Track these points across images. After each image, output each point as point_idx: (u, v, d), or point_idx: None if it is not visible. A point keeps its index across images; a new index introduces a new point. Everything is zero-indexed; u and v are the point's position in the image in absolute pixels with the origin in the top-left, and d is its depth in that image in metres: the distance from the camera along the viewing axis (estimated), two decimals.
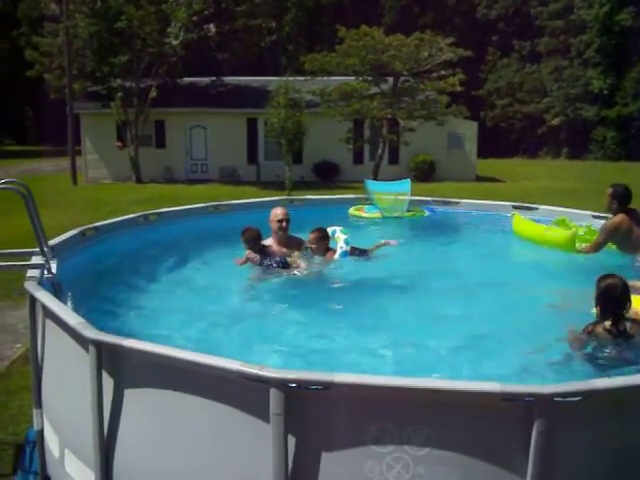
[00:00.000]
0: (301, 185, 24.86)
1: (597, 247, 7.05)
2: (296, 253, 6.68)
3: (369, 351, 4.62)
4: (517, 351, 4.60)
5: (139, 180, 28.71)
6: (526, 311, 5.50)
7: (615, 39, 48.93)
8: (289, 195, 17.39)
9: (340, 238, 6.95)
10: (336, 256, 6.74)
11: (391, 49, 24.43)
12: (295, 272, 6.41)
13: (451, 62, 25.04)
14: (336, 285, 6.38)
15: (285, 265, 6.45)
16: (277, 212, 6.81)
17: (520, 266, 7.49)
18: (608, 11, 48.62)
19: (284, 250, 6.73)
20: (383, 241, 7.38)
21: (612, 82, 48.79)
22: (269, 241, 6.78)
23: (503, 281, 6.51)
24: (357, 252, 6.91)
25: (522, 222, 8.02)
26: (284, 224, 6.73)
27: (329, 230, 6.99)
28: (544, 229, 7.60)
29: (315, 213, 9.32)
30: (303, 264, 6.51)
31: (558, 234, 7.36)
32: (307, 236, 6.82)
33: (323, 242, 6.74)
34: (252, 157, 30.81)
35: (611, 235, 7.01)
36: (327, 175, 29.89)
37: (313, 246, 6.71)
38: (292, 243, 6.80)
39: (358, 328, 5.22)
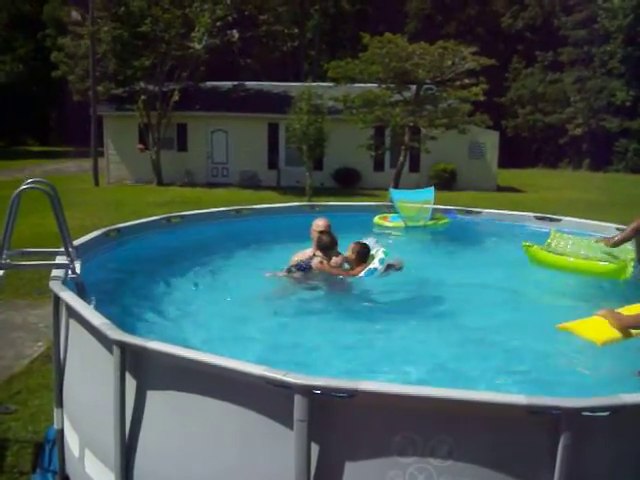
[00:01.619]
0: (321, 191, 24.84)
1: (619, 240, 7.00)
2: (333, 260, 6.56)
3: (396, 363, 4.59)
4: (546, 364, 4.57)
5: (160, 182, 28.87)
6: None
7: (639, 50, 48.48)
8: (309, 201, 17.37)
9: (377, 256, 6.66)
10: (362, 273, 6.52)
11: (415, 57, 24.37)
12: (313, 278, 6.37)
13: (474, 71, 24.93)
14: (366, 297, 6.35)
15: (308, 268, 6.43)
16: (319, 223, 6.72)
17: (545, 280, 7.34)
18: (632, 21, 48.19)
19: None
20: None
21: (636, 94, 48.32)
22: (310, 250, 6.67)
23: (530, 294, 6.45)
24: (390, 269, 6.67)
25: (547, 255, 7.25)
26: (325, 235, 6.56)
27: (372, 246, 6.81)
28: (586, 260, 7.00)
29: (336, 220, 9.31)
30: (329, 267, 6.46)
31: (608, 265, 6.86)
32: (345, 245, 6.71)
33: (359, 257, 6.59)
34: (273, 162, 30.85)
35: (635, 232, 6.96)
36: (347, 181, 29.87)
37: (351, 255, 6.60)
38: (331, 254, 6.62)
39: (384, 339, 5.20)
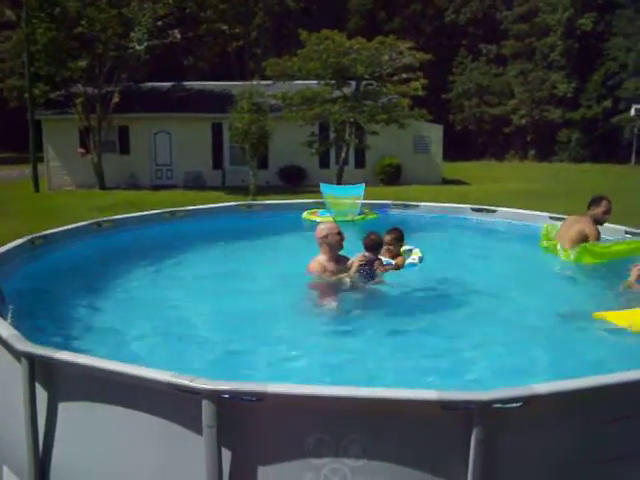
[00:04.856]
0: (267, 190, 24.75)
1: None
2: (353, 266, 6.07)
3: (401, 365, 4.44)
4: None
5: (103, 187, 28.33)
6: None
7: (578, 43, 49.57)
8: (253, 200, 17.25)
9: (417, 253, 6.60)
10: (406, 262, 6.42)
11: (352, 52, 24.48)
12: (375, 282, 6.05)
13: (412, 66, 25.11)
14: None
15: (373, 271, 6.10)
16: (331, 226, 6.24)
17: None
18: (571, 15, 49.24)
19: (338, 267, 6.12)
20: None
21: (576, 85, 49.40)
22: (321, 258, 6.13)
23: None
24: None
25: (605, 246, 7.06)
26: (344, 236, 6.19)
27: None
28: None
29: (274, 218, 9.27)
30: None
31: None
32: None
33: (399, 244, 6.53)
34: (217, 162, 30.58)
35: None
36: (293, 179, 29.79)
37: (391, 247, 6.47)
38: (341, 259, 6.20)
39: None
